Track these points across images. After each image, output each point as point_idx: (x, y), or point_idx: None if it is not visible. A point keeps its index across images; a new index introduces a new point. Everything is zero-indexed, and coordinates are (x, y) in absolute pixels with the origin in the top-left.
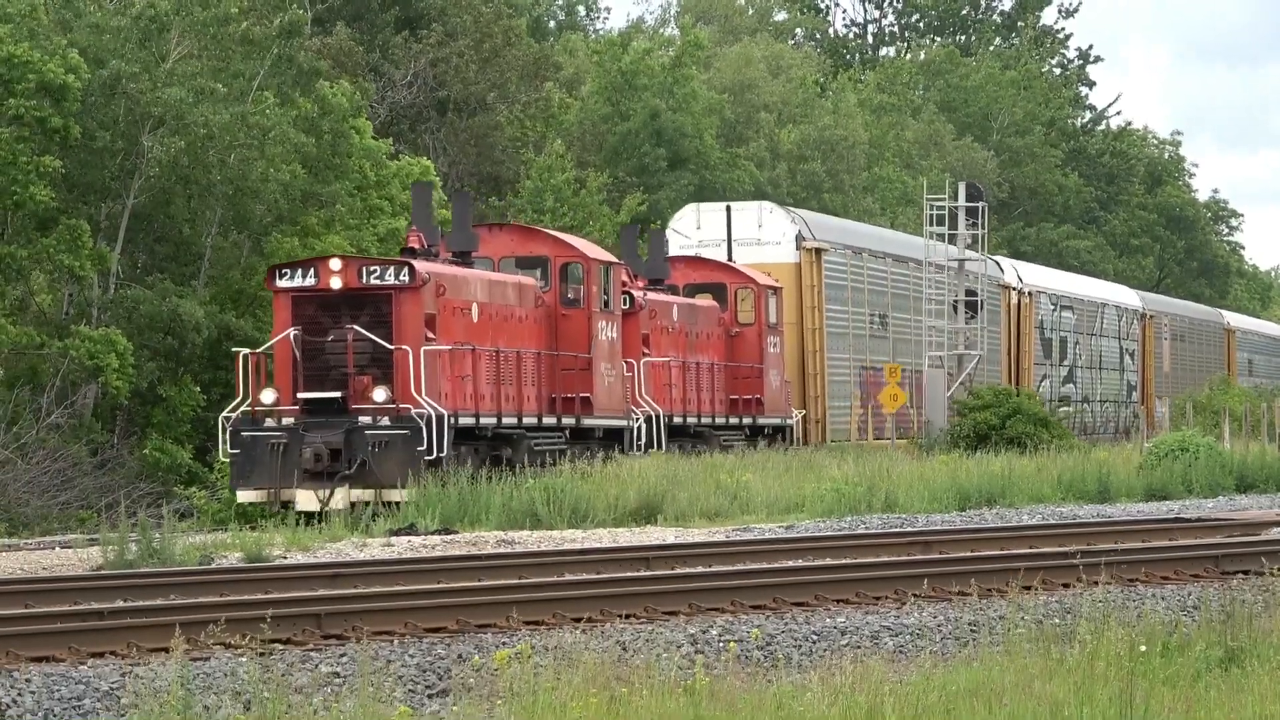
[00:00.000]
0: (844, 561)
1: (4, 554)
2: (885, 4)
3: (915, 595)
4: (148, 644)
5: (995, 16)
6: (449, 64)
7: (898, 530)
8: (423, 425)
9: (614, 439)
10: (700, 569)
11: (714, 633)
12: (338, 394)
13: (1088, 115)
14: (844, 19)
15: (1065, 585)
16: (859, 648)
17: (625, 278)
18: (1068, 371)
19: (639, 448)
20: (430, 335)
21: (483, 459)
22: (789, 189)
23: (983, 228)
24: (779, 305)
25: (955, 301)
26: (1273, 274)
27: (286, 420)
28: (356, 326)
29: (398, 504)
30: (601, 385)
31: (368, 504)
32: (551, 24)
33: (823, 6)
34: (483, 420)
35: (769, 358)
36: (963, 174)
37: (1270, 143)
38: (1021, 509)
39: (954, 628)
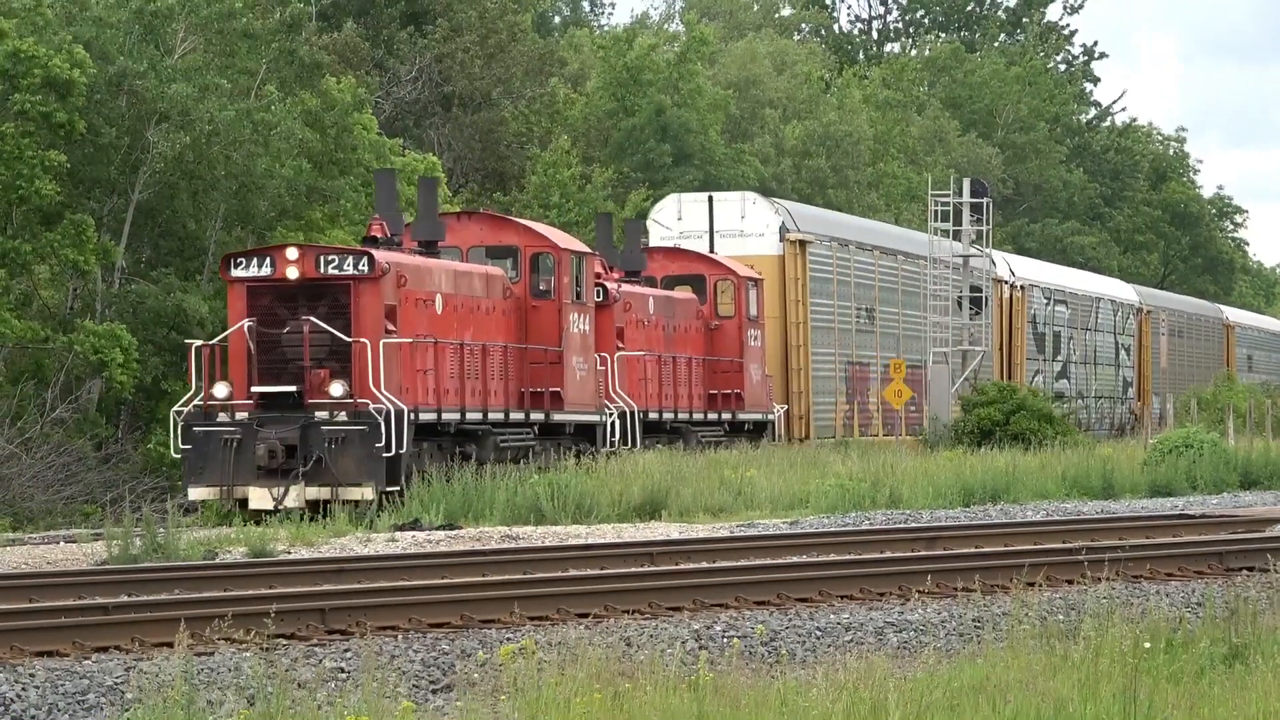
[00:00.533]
0: (848, 557)
1: (8, 548)
2: (890, 0)
3: (919, 591)
4: (152, 639)
5: (1000, 13)
6: (454, 59)
7: (902, 526)
8: (381, 421)
9: (586, 435)
10: (704, 565)
11: (718, 628)
12: (293, 388)
13: (1093, 112)
14: (849, 15)
15: (1069, 581)
16: (863, 644)
17: (600, 269)
18: (1061, 367)
19: (612, 444)
20: (391, 327)
21: (446, 455)
22: (794, 185)
23: (987, 224)
24: (760, 297)
25: (960, 297)
26: (1278, 270)
27: (240, 415)
28: (313, 318)
29: (357, 503)
30: (573, 379)
31: (325, 503)
32: (556, 19)
33: (828, 2)
34: (445, 416)
35: (750, 351)
36: (967, 170)
37: (1276, 140)
38: (1026, 505)
39: (958, 624)
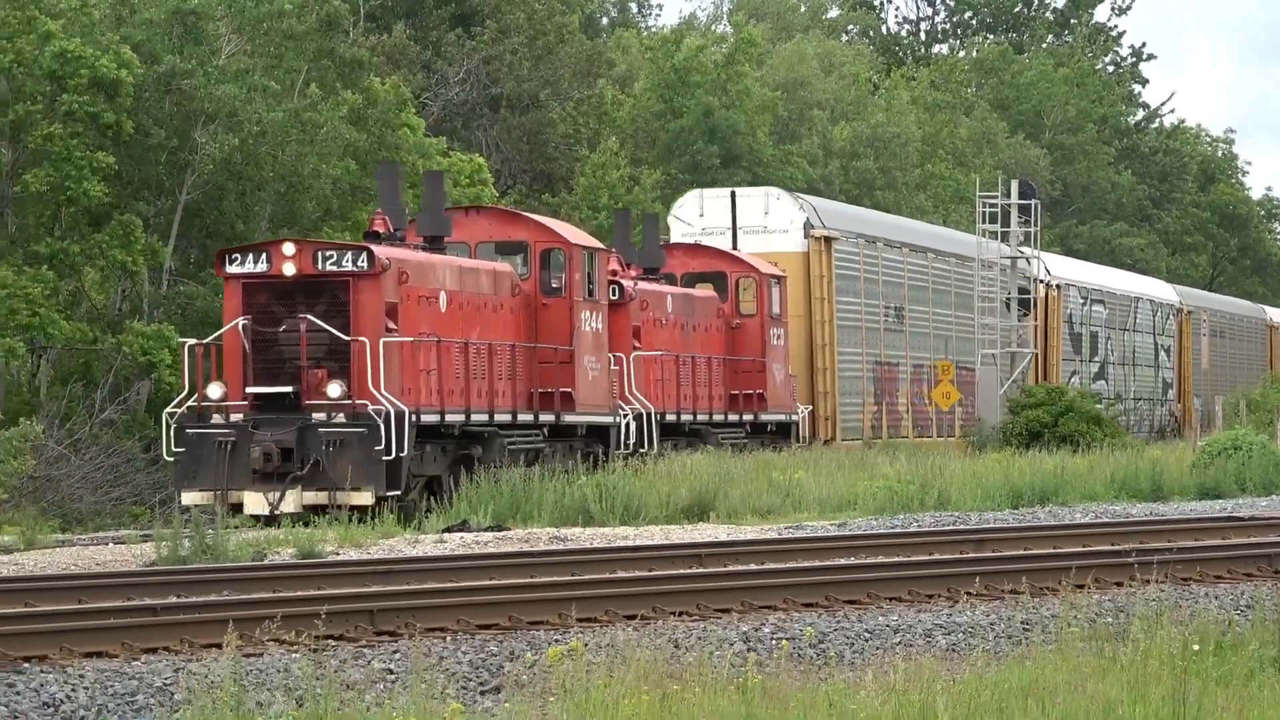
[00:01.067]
0: (896, 560)
1: (58, 550)
2: (938, 1)
3: (968, 594)
4: (201, 640)
5: (1048, 14)
6: (502, 61)
7: (950, 529)
8: (381, 423)
9: (599, 437)
10: (752, 566)
11: (766, 630)
12: (290, 389)
13: (1141, 113)
14: (897, 16)
15: (1118, 584)
16: (911, 646)
17: (617, 266)
18: (1099, 368)
19: (627, 447)
20: (391, 326)
21: (451, 458)
22: (841, 186)
23: (1035, 225)
24: (783, 295)
25: (1008, 299)
26: None
27: (235, 417)
28: (310, 316)
29: (355, 509)
30: (584, 379)
31: (323, 508)
32: (604, 21)
33: (876, 4)
34: (449, 417)
35: (772, 350)
36: (1015, 171)
37: None
38: (1074, 507)
39: (1007, 626)
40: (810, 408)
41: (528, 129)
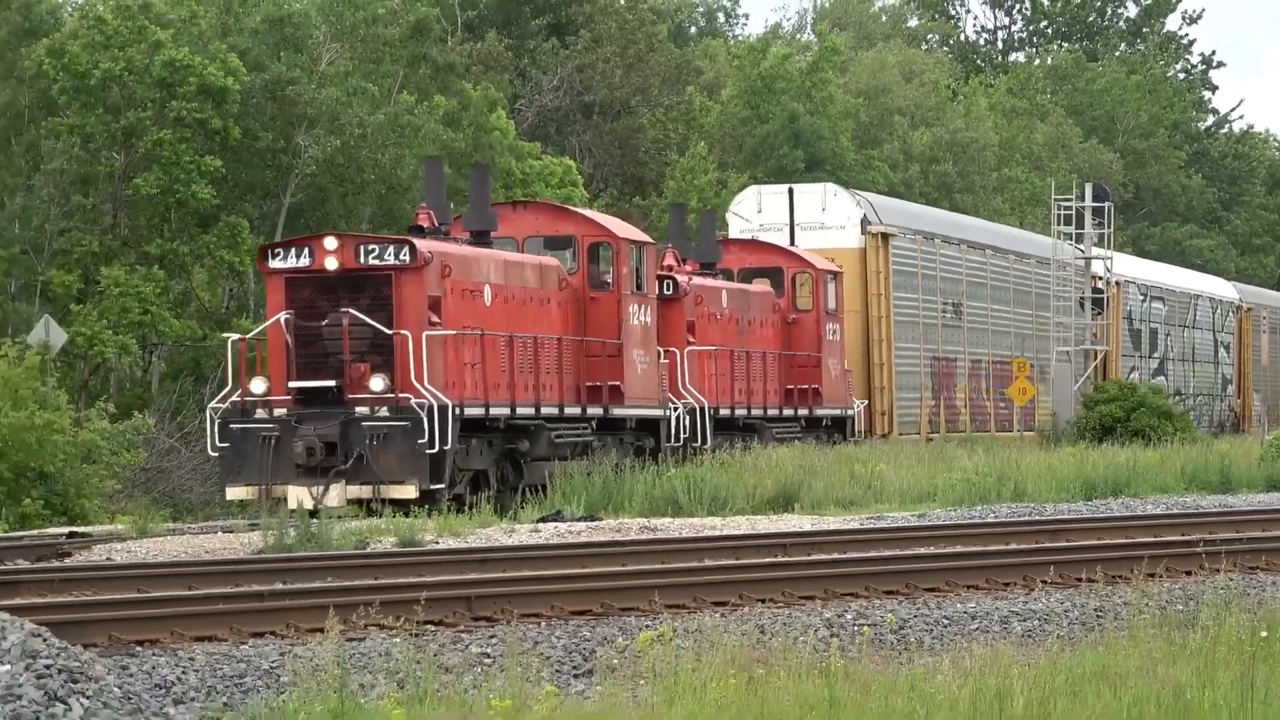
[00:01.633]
0: (974, 549)
1: (169, 538)
2: (1015, 11)
3: (1043, 582)
4: (306, 625)
5: (1121, 23)
6: (595, 69)
7: (1026, 519)
8: (424, 415)
9: (649, 430)
10: (835, 555)
11: (849, 617)
12: (333, 383)
13: (1211, 119)
14: (975, 25)
15: (1188, 573)
16: (988, 632)
17: (673, 260)
18: (1158, 364)
19: (679, 440)
20: (435, 319)
21: (497, 452)
22: (921, 189)
23: (1109, 227)
24: (839, 291)
25: (1081, 299)
26: None
27: (278, 411)
28: (353, 310)
29: (400, 503)
30: (633, 373)
31: (366, 502)
32: (692, 30)
33: (954, 13)
34: (494, 410)
35: (828, 345)
36: (1089, 175)
37: None
38: (1146, 499)
39: (1080, 613)
40: (865, 402)
41: (619, 134)
